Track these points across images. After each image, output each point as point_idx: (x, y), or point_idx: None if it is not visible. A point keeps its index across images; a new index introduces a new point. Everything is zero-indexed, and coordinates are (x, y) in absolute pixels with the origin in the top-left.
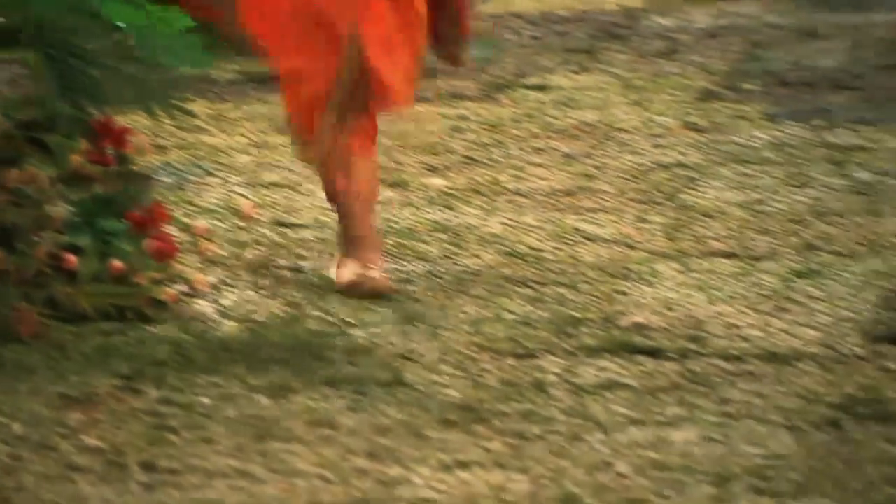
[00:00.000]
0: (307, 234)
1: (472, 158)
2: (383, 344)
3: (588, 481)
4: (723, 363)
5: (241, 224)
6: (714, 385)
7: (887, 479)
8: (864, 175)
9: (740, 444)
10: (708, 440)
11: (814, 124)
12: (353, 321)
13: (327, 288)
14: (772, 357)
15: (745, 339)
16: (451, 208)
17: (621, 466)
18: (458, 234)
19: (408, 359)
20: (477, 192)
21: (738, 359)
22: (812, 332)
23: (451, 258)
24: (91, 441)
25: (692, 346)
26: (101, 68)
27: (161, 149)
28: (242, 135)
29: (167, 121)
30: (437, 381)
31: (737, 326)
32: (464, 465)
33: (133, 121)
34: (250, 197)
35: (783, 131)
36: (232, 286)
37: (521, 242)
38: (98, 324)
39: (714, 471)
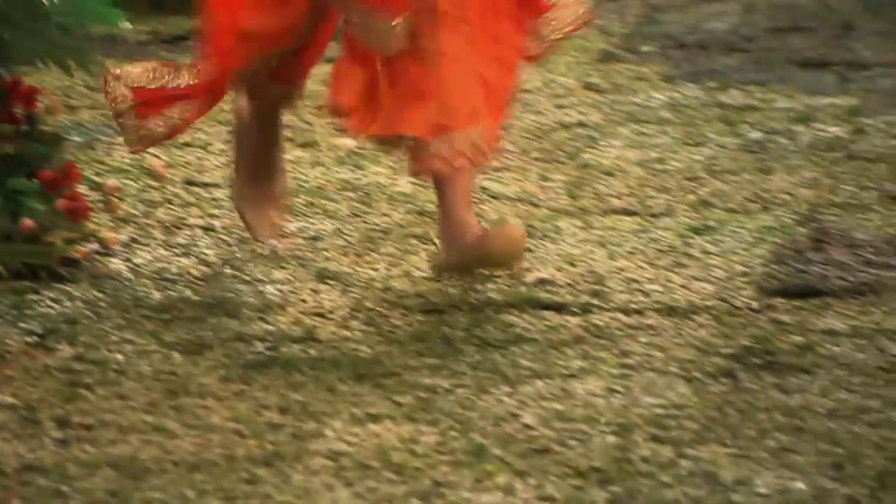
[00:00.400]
0: (219, 193)
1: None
2: (295, 301)
3: (495, 432)
4: (623, 317)
5: (153, 183)
6: (615, 338)
7: (779, 426)
8: (755, 134)
9: (640, 395)
10: (609, 391)
11: (708, 85)
12: (264, 279)
13: (239, 246)
14: (670, 311)
15: (644, 293)
16: (360, 168)
17: (527, 418)
18: (368, 194)
19: (319, 315)
20: (385, 151)
21: (638, 313)
22: (708, 287)
23: (360, 217)
24: (4, 398)
25: (594, 301)
26: (9, 27)
27: (71, 108)
28: None
29: (77, 81)
30: (349, 336)
31: (637, 281)
32: (375, 419)
33: (43, 81)
34: (161, 157)
35: (680, 92)
36: (144, 245)
37: (430, 201)
38: (10, 282)
39: (616, 421)
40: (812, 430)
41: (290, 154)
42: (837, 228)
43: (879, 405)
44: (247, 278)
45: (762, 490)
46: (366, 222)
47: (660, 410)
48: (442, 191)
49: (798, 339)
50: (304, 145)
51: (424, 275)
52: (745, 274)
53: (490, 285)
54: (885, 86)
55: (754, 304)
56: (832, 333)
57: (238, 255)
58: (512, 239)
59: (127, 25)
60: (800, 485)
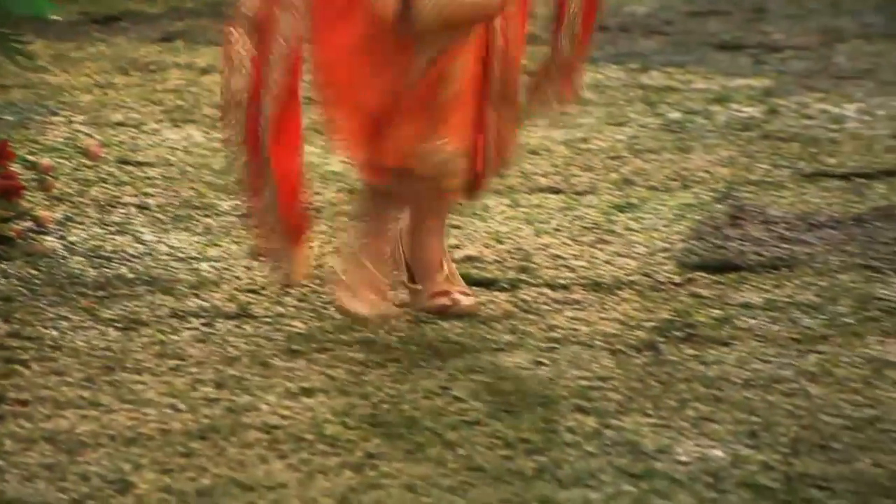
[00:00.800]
0: (152, 172)
1: (311, 99)
2: (229, 278)
3: (426, 405)
4: (550, 292)
5: (87, 162)
6: (542, 313)
7: (698, 396)
8: (675, 115)
9: (566, 368)
10: (537, 364)
11: (630, 67)
12: (199, 256)
13: (173, 223)
14: (595, 286)
15: (570, 269)
16: None
17: (457, 391)
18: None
19: (253, 292)
20: (317, 131)
21: (564, 288)
22: (631, 262)
23: None
24: None
25: (522, 277)
26: None
27: (3, 88)
28: (86, 75)
29: (8, 61)
30: (283, 313)
31: (562, 258)
32: (308, 392)
33: None
34: (95, 136)
35: (602, 73)
36: (79, 223)
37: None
38: None
39: (543, 393)
40: (729, 400)
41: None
42: (753, 205)
43: (792, 375)
44: (181, 256)
45: (682, 458)
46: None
47: (585, 382)
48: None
49: (716, 312)
50: None
51: None
52: (666, 250)
53: None
54: (797, 68)
55: (675, 279)
56: (748, 306)
57: (172, 234)
58: None
59: (56, 18)
60: (718, 452)
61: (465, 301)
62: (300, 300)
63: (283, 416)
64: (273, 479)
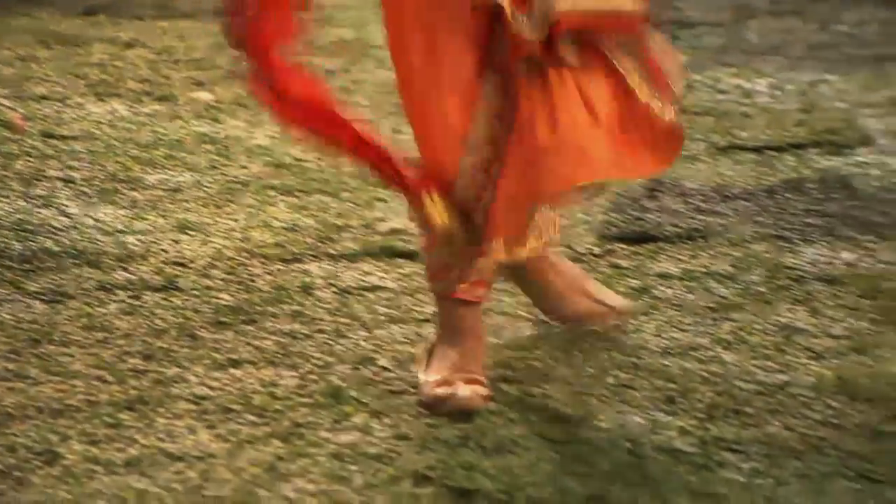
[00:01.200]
0: (77, 145)
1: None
2: (156, 251)
3: (353, 375)
4: None
5: (11, 136)
6: None
7: (618, 364)
8: None
9: (490, 338)
10: None
11: None
12: (125, 229)
13: (98, 197)
14: None
15: None
16: (218, 121)
17: (383, 361)
18: (226, 146)
19: (180, 265)
20: (242, 105)
21: None
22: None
23: (219, 169)
24: None
25: None
26: None
27: None
28: (8, 48)
29: None
30: (210, 285)
31: None
32: (236, 363)
33: None
34: (18, 109)
35: None
36: (3, 196)
37: (286, 153)
38: None
39: None
40: (647, 368)
41: (148, 107)
42: (670, 178)
43: (708, 342)
44: (108, 229)
45: (602, 424)
46: (224, 174)
47: (508, 352)
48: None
49: (635, 282)
50: (162, 99)
51: (283, 225)
52: (586, 222)
53: (346, 235)
54: (710, 43)
55: (595, 251)
56: (665, 276)
57: (98, 207)
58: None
59: None
60: (637, 418)
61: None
62: (228, 273)
63: (212, 388)
64: (201, 449)
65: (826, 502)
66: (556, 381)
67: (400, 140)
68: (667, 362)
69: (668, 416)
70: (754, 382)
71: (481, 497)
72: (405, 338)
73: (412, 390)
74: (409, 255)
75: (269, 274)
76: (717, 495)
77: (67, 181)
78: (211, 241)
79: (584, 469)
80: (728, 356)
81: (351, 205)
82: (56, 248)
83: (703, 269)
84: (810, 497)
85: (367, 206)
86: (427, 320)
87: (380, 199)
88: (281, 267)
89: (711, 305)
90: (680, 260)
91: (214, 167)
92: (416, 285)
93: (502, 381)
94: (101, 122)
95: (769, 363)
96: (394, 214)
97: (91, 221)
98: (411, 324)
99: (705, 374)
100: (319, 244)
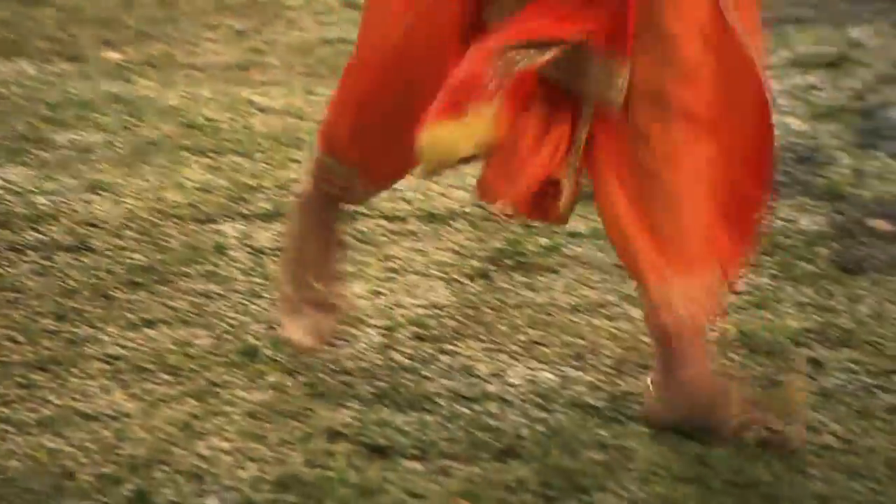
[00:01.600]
0: None
1: (146, 33)
2: (67, 211)
3: (267, 334)
4: (387, 223)
5: None
6: (379, 244)
7: (529, 322)
8: None
9: (403, 297)
10: (375, 294)
11: None
12: (35, 190)
13: (7, 157)
14: (430, 217)
15: (406, 201)
16: (128, 81)
17: None
18: (137, 107)
19: (92, 225)
20: (153, 65)
21: (400, 219)
22: (464, 194)
23: (130, 129)
24: None
25: (359, 209)
26: None
27: None
28: None
29: None
30: (122, 245)
31: (398, 190)
32: (150, 323)
33: None
34: None
35: None
36: None
37: (199, 114)
38: None
39: (381, 322)
40: (558, 325)
41: (56, 67)
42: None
43: (616, 300)
44: (17, 190)
45: (514, 380)
46: (136, 135)
47: (422, 310)
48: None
49: (545, 241)
50: (72, 58)
51: (196, 185)
52: None
53: (259, 195)
54: None
55: (507, 210)
56: (575, 235)
57: (7, 168)
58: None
59: None
60: (547, 374)
61: (794, 433)
62: (140, 233)
63: (125, 347)
64: (115, 408)
65: (730, 451)
66: (469, 338)
67: (313, 101)
68: (576, 319)
69: (577, 372)
70: None
71: (395, 453)
72: None
73: (326, 348)
74: None
75: (182, 234)
76: (627, 448)
77: None
78: (123, 202)
79: (496, 424)
80: (636, 312)
81: (265, 165)
82: None
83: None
84: (714, 445)
85: (281, 167)
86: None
87: (293, 160)
88: (194, 227)
89: (619, 263)
90: (589, 218)
91: (126, 127)
92: None
93: (417, 339)
94: (8, 82)
95: None
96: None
97: (0, 182)
98: None
99: (613, 331)
100: (233, 204)
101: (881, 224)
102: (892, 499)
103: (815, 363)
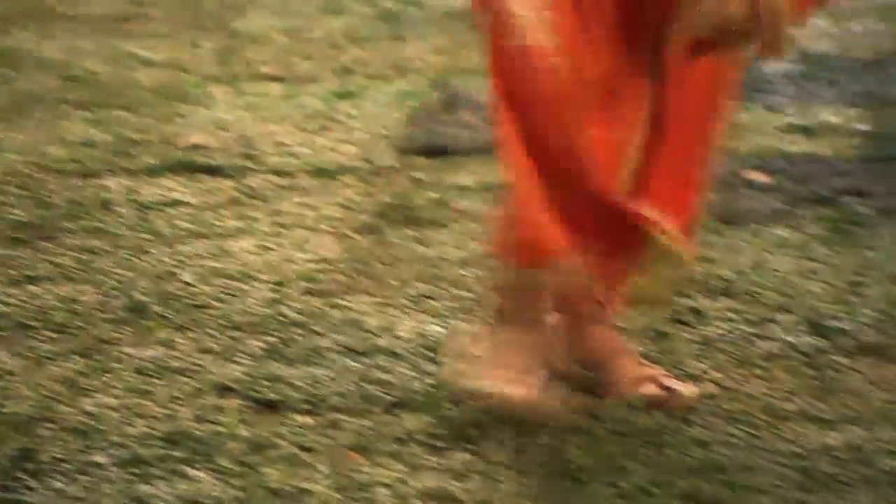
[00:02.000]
0: None
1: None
2: None
3: (155, 290)
4: (275, 178)
5: None
6: (268, 199)
7: (419, 275)
8: (389, 4)
9: (293, 252)
10: (264, 249)
11: None
12: None
13: None
14: (319, 172)
15: (294, 155)
16: (5, 33)
17: (186, 276)
18: (15, 59)
19: None
20: (30, 16)
21: (289, 174)
22: (353, 148)
23: (8, 83)
24: None
25: (247, 164)
26: None
27: None
28: None
29: None
30: (3, 201)
31: (287, 145)
32: (33, 280)
33: None
34: None
35: None
36: None
37: (80, 67)
38: None
39: (271, 277)
40: (447, 278)
41: None
42: (465, 92)
43: None
44: None
45: (403, 334)
46: (14, 88)
47: (311, 265)
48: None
49: (434, 195)
50: None
51: (78, 139)
52: (384, 136)
53: (144, 150)
54: None
55: (394, 164)
56: (463, 189)
57: None
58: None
59: None
60: (436, 327)
61: (686, 391)
62: (21, 188)
63: (8, 304)
64: (0, 366)
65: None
66: (359, 292)
67: (198, 55)
68: (465, 272)
69: (466, 325)
70: None
71: (286, 408)
72: (208, 253)
73: (216, 304)
74: (210, 170)
75: (65, 189)
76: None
77: None
78: (2, 156)
79: (386, 378)
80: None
81: (149, 119)
82: None
83: (498, 182)
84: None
85: (166, 121)
86: (230, 235)
87: (177, 114)
88: (78, 182)
89: None
90: (475, 173)
91: (4, 81)
92: (217, 200)
93: (307, 294)
94: None
95: None
96: (193, 129)
97: None
98: (214, 238)
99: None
100: (117, 159)
101: (759, 176)
102: (768, 442)
103: (697, 312)
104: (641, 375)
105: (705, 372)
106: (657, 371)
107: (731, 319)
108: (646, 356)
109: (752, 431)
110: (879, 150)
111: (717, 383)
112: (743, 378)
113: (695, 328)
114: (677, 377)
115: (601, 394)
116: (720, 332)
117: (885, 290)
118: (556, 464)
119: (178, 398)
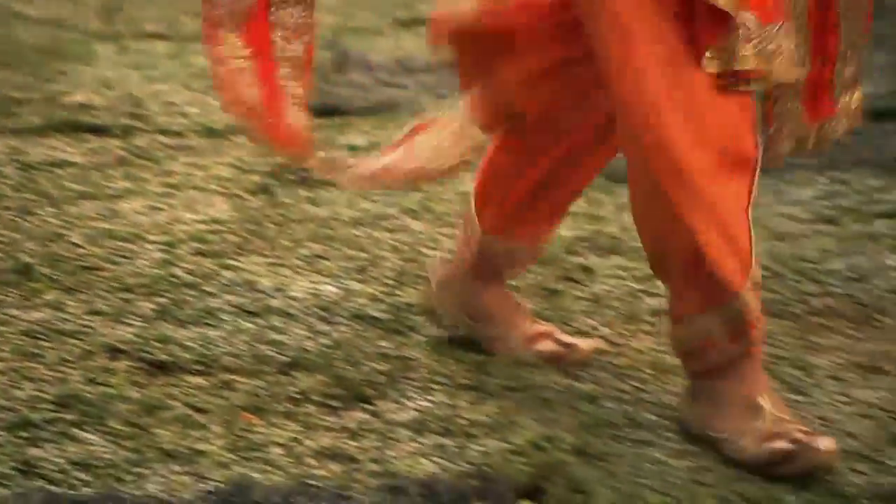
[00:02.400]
0: None
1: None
2: None
3: (42, 252)
4: (164, 138)
5: None
6: (157, 159)
7: (311, 235)
8: None
9: (183, 213)
10: (154, 210)
11: None
12: None
13: None
14: (208, 131)
15: (183, 115)
16: None
17: (74, 237)
18: None
19: None
20: None
21: (178, 134)
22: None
23: None
24: None
25: (135, 124)
26: None
27: None
28: None
29: None
30: None
31: (175, 104)
32: None
33: None
34: None
35: None
36: None
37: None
38: None
39: (161, 238)
40: (339, 238)
41: None
42: (356, 52)
43: (396, 212)
44: None
45: (297, 294)
46: None
47: (202, 226)
48: None
49: (324, 155)
50: None
51: None
52: None
53: (28, 109)
54: None
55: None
56: (354, 148)
57: None
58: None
59: None
60: (330, 287)
61: (584, 345)
62: None
63: None
64: None
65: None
66: (252, 253)
67: (80, 11)
68: (358, 232)
69: (359, 285)
70: (440, 249)
71: (177, 368)
72: (97, 214)
73: (106, 266)
74: (96, 130)
75: None
76: (409, 359)
77: None
78: None
79: (280, 338)
80: (415, 225)
81: (32, 78)
82: None
83: (388, 141)
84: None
85: (50, 80)
86: (119, 196)
87: (60, 73)
88: None
89: None
90: (366, 132)
91: None
92: (105, 160)
93: (198, 255)
94: None
95: (454, 230)
96: (77, 88)
97: None
98: (103, 199)
99: (394, 243)
100: (0, 119)
101: None
102: (655, 395)
103: (586, 270)
104: (536, 332)
105: (595, 328)
106: (551, 327)
107: (619, 277)
108: (537, 314)
109: (640, 385)
110: None
111: (606, 339)
112: (631, 333)
113: (585, 286)
114: (568, 334)
115: (491, 349)
116: (608, 288)
117: (769, 247)
118: (449, 421)
119: (67, 360)
